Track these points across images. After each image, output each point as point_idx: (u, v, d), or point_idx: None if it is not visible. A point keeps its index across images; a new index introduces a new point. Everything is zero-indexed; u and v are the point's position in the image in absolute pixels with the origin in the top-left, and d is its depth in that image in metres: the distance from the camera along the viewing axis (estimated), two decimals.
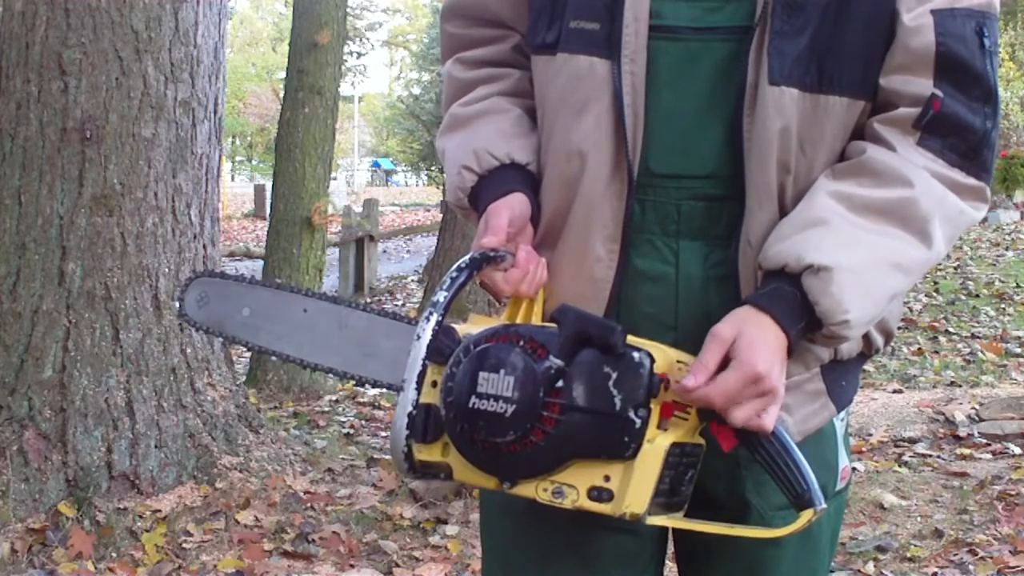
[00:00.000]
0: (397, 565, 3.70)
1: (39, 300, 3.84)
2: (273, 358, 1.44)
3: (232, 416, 4.18)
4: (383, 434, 5.36)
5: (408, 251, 16.82)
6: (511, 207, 1.29)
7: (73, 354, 3.81)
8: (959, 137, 1.21)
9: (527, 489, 1.17)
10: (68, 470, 3.75)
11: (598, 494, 1.14)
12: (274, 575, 3.60)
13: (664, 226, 1.27)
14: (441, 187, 22.81)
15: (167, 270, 3.98)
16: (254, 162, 41.56)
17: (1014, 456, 4.51)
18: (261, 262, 7.64)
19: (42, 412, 3.78)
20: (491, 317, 1.30)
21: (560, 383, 1.13)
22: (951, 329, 7.65)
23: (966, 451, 4.63)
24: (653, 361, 1.15)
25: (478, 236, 1.28)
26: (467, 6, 1.42)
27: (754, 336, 1.15)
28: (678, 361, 1.18)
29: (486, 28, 1.42)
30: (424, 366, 1.18)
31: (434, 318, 1.18)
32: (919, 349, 7.07)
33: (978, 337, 7.40)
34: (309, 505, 4.05)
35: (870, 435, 4.88)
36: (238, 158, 41.96)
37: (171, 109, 4.00)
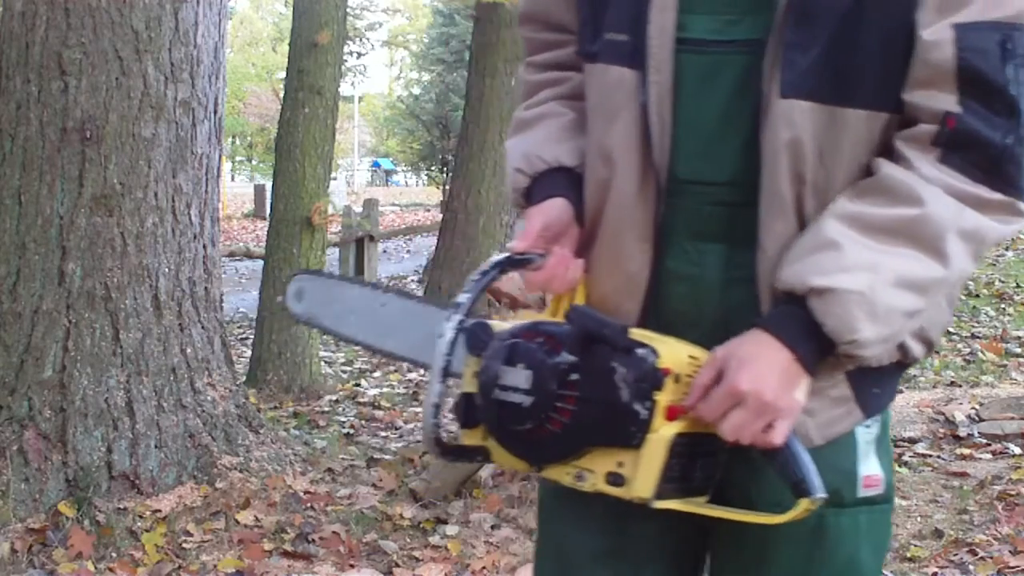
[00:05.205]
0: (397, 565, 3.70)
1: (39, 300, 3.84)
2: (356, 347, 1.63)
3: (232, 416, 4.18)
4: (383, 434, 5.38)
5: (408, 251, 16.83)
6: (546, 213, 1.37)
7: (73, 354, 3.81)
8: (979, 153, 1.20)
9: (554, 472, 1.27)
10: (68, 470, 3.75)
11: (614, 479, 1.23)
12: (274, 575, 3.60)
13: (691, 229, 1.32)
14: (441, 187, 22.86)
15: (167, 270, 3.99)
16: (254, 162, 41.52)
17: (1014, 456, 4.51)
18: (261, 262, 7.63)
19: (42, 412, 3.78)
20: (539, 312, 1.42)
21: (575, 376, 1.22)
22: (951, 329, 7.65)
23: (966, 451, 4.64)
24: (657, 356, 1.21)
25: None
26: (534, 12, 1.51)
27: (745, 355, 1.20)
28: (690, 356, 1.24)
29: (552, 33, 1.49)
30: (447, 362, 1.28)
31: (455, 318, 1.29)
32: None
33: (978, 337, 7.41)
34: (309, 505, 4.06)
35: None
36: (238, 158, 41.90)
37: (171, 109, 4.00)
